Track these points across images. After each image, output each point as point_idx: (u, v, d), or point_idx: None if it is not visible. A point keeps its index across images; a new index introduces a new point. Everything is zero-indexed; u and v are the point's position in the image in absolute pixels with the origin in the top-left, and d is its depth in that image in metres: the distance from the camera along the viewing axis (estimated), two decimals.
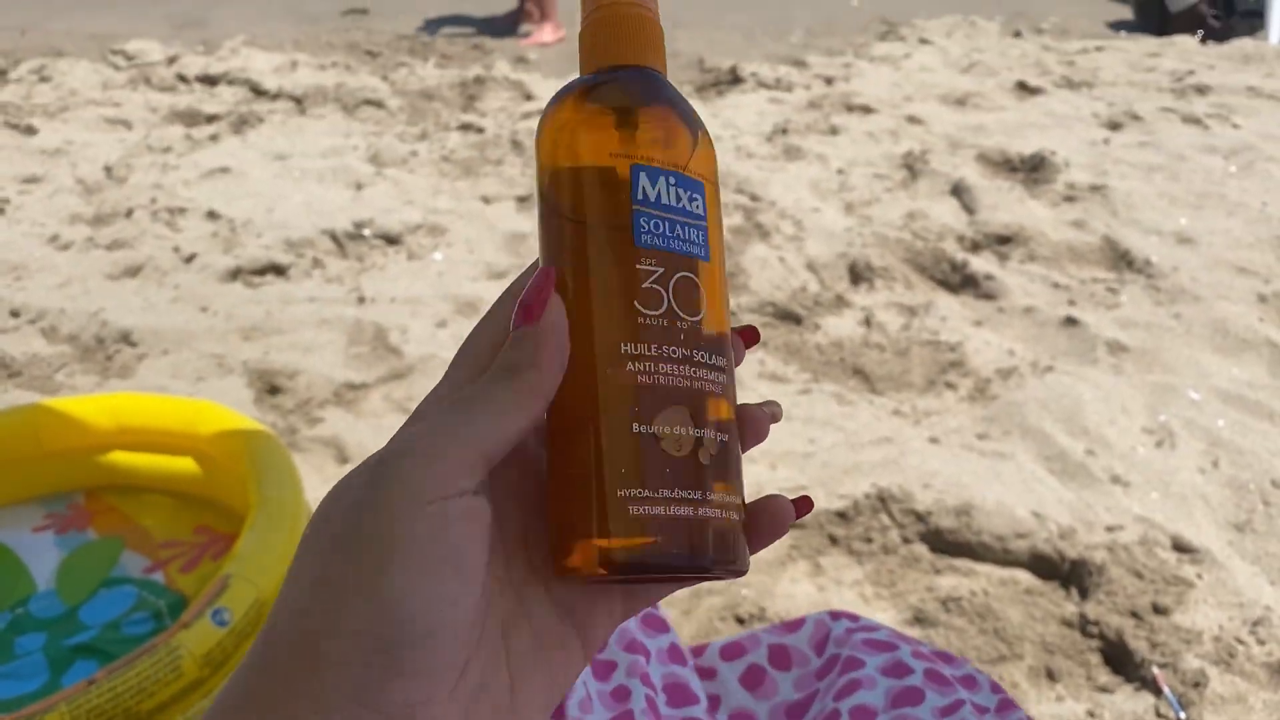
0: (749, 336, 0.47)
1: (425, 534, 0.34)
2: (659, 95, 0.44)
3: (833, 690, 0.72)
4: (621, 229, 0.42)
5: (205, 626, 1.25)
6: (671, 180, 0.42)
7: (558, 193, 0.43)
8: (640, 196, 0.42)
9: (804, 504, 0.44)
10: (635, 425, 0.40)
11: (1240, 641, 1.47)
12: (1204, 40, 4.77)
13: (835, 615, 0.81)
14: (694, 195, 0.43)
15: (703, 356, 0.41)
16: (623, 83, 0.44)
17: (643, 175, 0.42)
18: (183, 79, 3.91)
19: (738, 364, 0.45)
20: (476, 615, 0.36)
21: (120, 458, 1.67)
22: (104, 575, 1.54)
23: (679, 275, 0.41)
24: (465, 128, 3.47)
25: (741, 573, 0.42)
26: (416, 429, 0.37)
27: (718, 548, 0.40)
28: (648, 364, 0.40)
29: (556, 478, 0.41)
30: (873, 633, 0.77)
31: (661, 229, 0.42)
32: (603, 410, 0.40)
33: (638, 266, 0.41)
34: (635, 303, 0.41)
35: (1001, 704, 0.71)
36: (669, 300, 0.41)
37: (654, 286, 0.41)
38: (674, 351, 0.41)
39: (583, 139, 0.43)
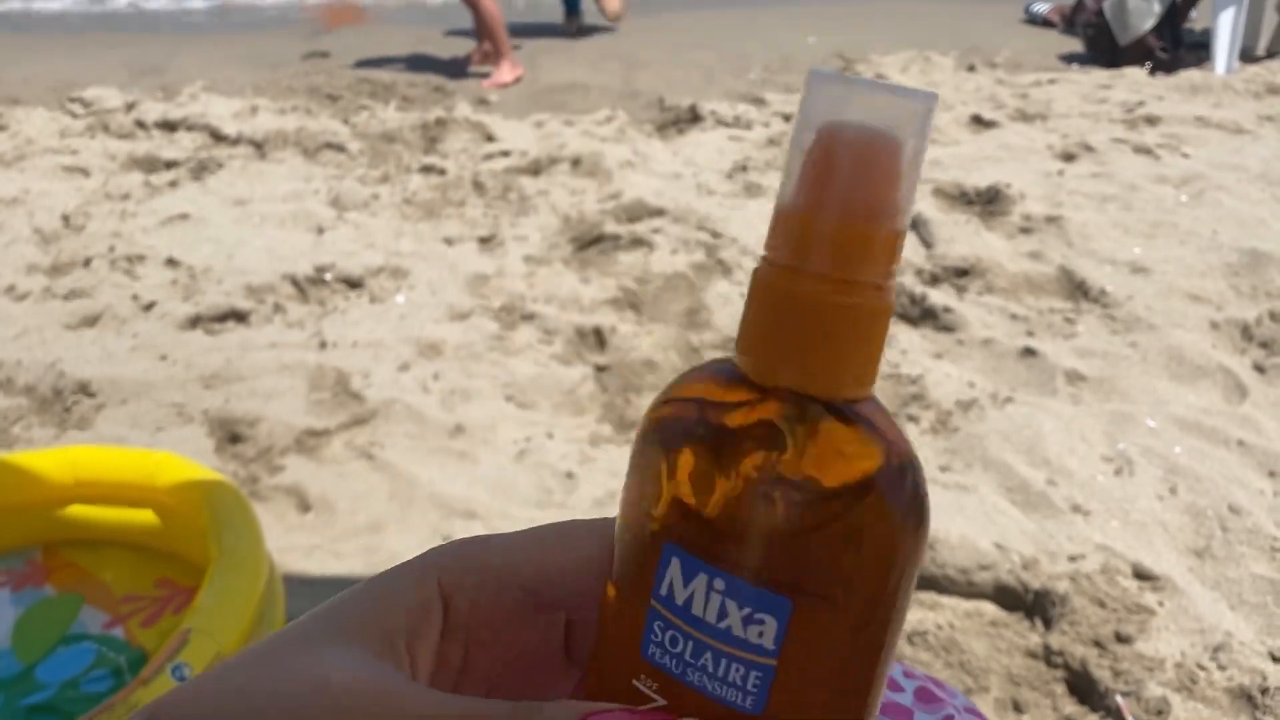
0: None
1: None
2: (766, 448, 0.27)
3: None
4: (636, 619, 0.29)
5: (165, 683, 1.23)
6: (718, 585, 0.27)
7: (619, 529, 0.31)
8: (664, 592, 0.28)
9: None
10: None
11: (1202, 668, 1.48)
12: (1153, 72, 4.87)
13: None
14: (758, 617, 0.27)
15: None
16: (715, 408, 0.28)
17: (675, 562, 0.28)
18: (141, 125, 3.89)
19: None
20: None
21: (78, 511, 1.65)
22: (62, 632, 1.51)
23: None
24: (427, 170, 3.47)
25: None
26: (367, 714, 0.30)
27: None
28: None
29: None
30: None
31: (680, 649, 0.28)
32: None
33: (634, 682, 0.29)
34: None
35: None
36: None
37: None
38: None
39: (641, 473, 0.29)
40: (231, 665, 0.32)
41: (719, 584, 0.27)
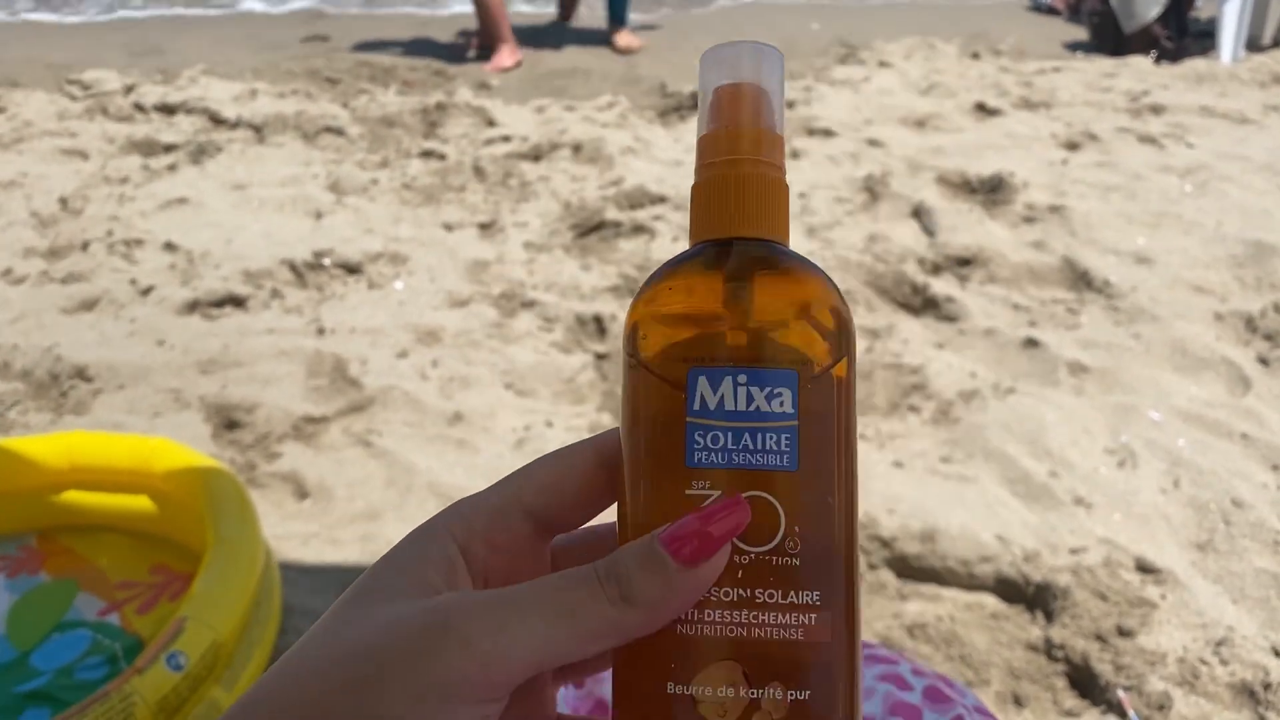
0: None
1: None
2: (743, 275, 0.38)
3: None
4: (674, 446, 0.36)
5: (160, 671, 1.23)
6: (741, 379, 0.36)
7: (627, 394, 0.39)
8: (698, 406, 0.36)
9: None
10: (671, 685, 0.35)
11: (1204, 662, 1.47)
12: (1158, 61, 4.84)
13: None
14: (776, 392, 0.36)
15: (774, 595, 0.35)
16: (698, 267, 0.38)
17: (702, 379, 0.36)
18: (140, 108, 3.87)
19: None
20: None
21: (74, 497, 1.64)
22: (57, 619, 1.50)
23: (744, 497, 0.35)
24: (427, 154, 3.45)
25: None
26: (481, 612, 0.33)
27: None
28: (689, 611, 0.35)
29: None
30: (872, 648, 0.76)
31: (723, 443, 0.36)
32: (640, 664, 0.36)
33: (686, 493, 0.36)
34: None
35: None
36: None
37: None
38: (726, 594, 0.35)
39: (648, 335, 0.38)
40: (301, 651, 0.34)
41: (742, 378, 0.36)
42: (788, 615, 0.35)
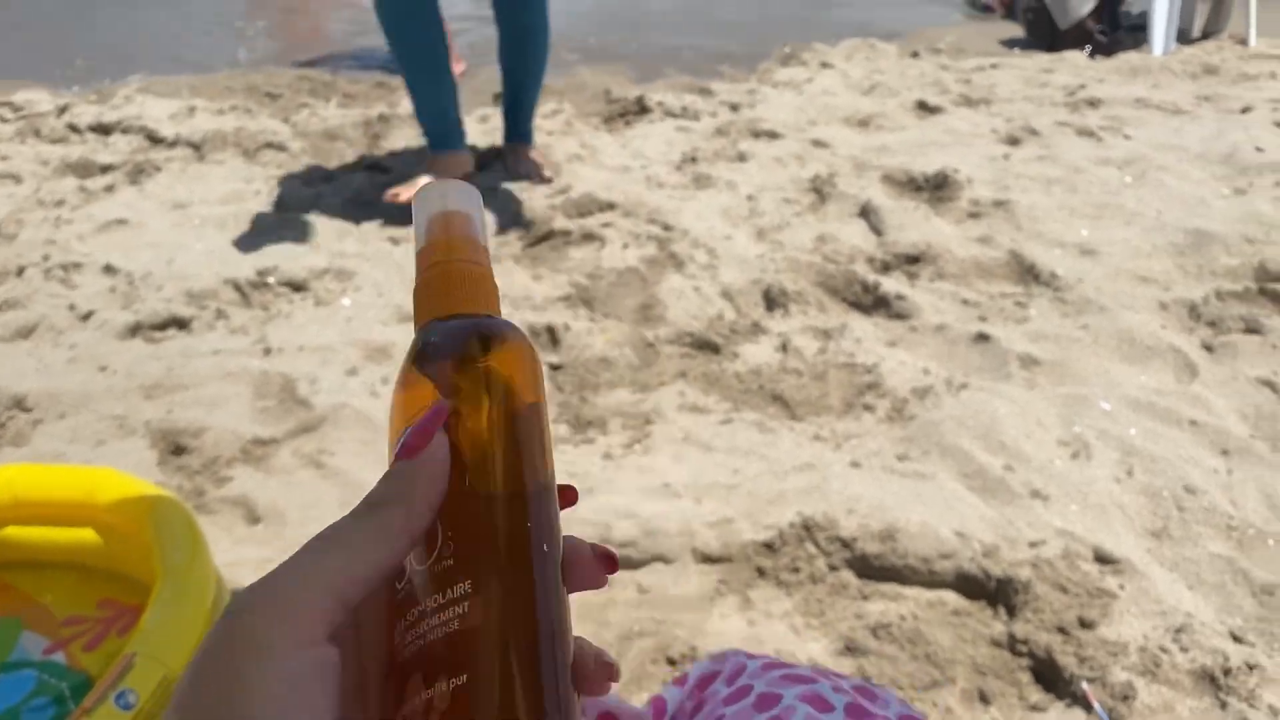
0: (567, 496, 0.45)
1: (276, 694, 0.33)
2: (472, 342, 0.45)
3: None
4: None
5: (109, 711, 1.19)
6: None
7: None
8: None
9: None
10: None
11: (1164, 650, 1.48)
12: (1092, 55, 4.91)
13: (751, 656, 0.79)
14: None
15: (436, 599, 0.38)
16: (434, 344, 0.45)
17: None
18: (74, 129, 3.79)
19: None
20: None
21: (15, 533, 1.58)
22: (1, 659, 1.45)
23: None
24: (371, 168, 3.41)
25: None
26: (268, 577, 0.35)
27: None
28: (405, 635, 0.39)
29: None
30: (791, 669, 0.75)
31: None
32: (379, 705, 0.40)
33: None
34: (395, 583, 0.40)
35: None
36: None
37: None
38: (409, 617, 0.38)
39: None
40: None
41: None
42: (446, 612, 0.37)
